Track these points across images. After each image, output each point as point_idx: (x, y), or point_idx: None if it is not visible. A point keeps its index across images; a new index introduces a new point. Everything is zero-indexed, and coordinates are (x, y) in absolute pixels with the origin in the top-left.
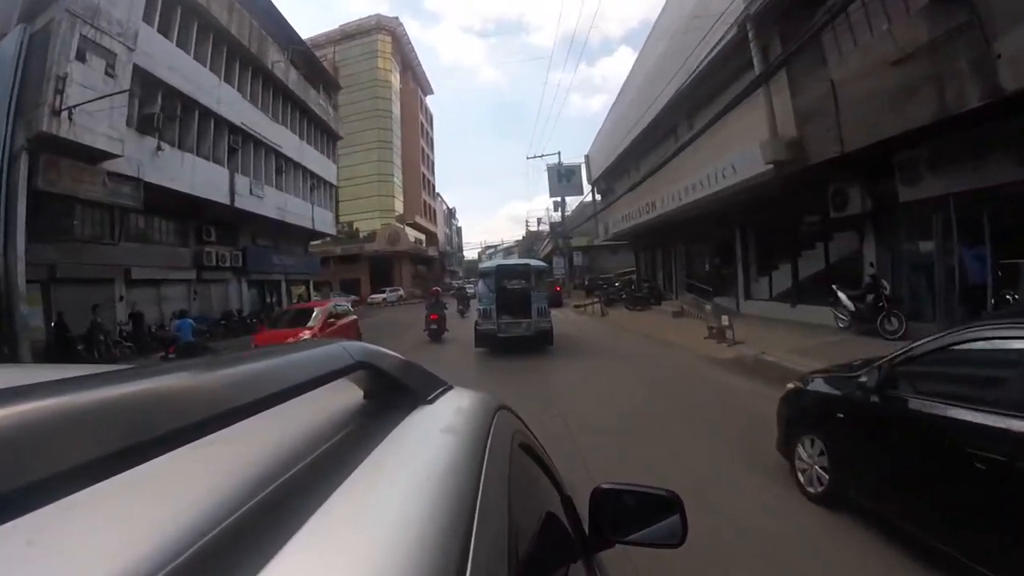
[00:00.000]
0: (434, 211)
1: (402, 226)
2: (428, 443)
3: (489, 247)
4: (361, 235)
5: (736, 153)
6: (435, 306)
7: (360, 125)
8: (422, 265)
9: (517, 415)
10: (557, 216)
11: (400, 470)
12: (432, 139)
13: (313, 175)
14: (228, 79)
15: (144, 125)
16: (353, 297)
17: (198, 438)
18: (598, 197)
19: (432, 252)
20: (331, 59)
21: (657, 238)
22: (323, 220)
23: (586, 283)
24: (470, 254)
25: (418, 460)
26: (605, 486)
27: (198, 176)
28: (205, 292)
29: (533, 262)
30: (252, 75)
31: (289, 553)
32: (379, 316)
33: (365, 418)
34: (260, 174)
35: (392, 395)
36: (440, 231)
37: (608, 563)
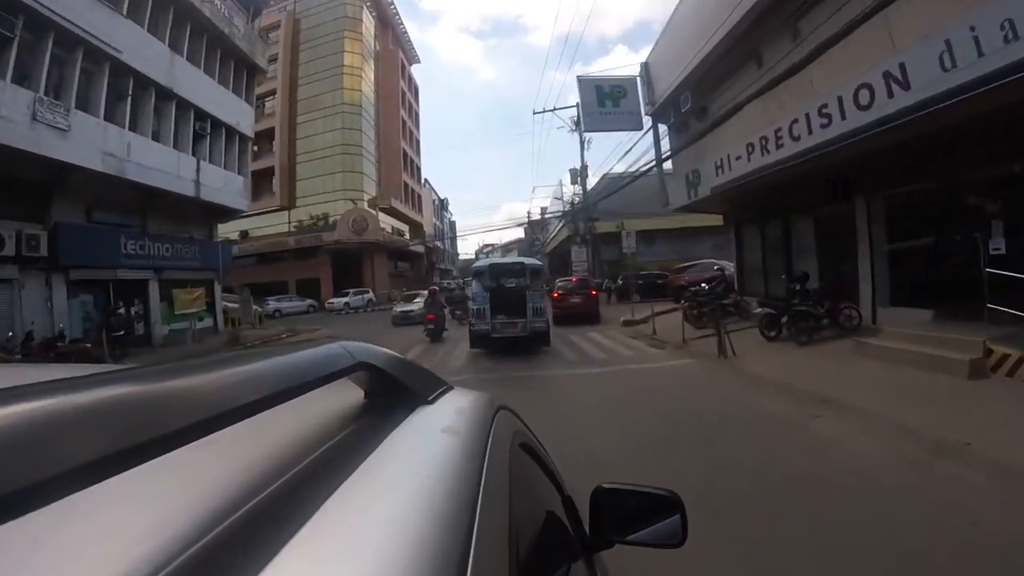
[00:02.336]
0: (419, 198)
1: (373, 211)
2: (429, 443)
3: (487, 246)
4: (320, 222)
5: None
6: (433, 305)
7: (323, 86)
8: (403, 262)
9: (517, 415)
10: (568, 195)
11: (401, 470)
12: (417, 115)
13: (203, 114)
14: None
15: None
16: (310, 302)
17: (199, 438)
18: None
19: (416, 246)
20: (290, 10)
21: (805, 197)
22: (225, 186)
23: (620, 283)
24: (466, 252)
25: (419, 460)
26: (606, 486)
27: None
28: None
29: (528, 260)
30: None
31: (290, 553)
32: (317, 334)
33: (366, 418)
34: (69, 90)
35: (393, 395)
36: (428, 223)
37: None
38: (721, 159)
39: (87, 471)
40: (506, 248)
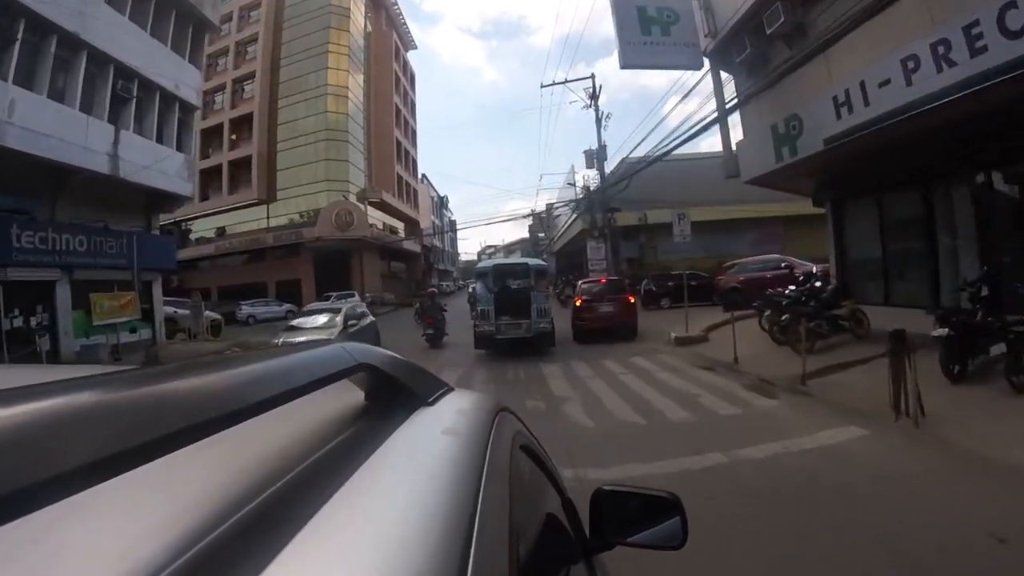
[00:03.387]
0: (415, 193)
1: (361, 205)
2: (429, 445)
3: (489, 247)
4: (305, 216)
5: None
6: (431, 308)
7: (307, 66)
8: (397, 262)
9: (518, 417)
10: (582, 182)
11: (401, 472)
12: (413, 103)
13: (128, 72)
14: None
15: None
16: (288, 307)
17: (200, 439)
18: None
19: (412, 245)
20: None
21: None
22: (157, 164)
23: (653, 287)
24: (466, 252)
25: (419, 462)
26: (606, 488)
27: None
28: None
29: (532, 261)
30: None
31: (290, 554)
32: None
33: (366, 420)
34: None
35: (393, 396)
36: (425, 220)
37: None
38: (846, 91)
39: (87, 472)
40: (509, 249)
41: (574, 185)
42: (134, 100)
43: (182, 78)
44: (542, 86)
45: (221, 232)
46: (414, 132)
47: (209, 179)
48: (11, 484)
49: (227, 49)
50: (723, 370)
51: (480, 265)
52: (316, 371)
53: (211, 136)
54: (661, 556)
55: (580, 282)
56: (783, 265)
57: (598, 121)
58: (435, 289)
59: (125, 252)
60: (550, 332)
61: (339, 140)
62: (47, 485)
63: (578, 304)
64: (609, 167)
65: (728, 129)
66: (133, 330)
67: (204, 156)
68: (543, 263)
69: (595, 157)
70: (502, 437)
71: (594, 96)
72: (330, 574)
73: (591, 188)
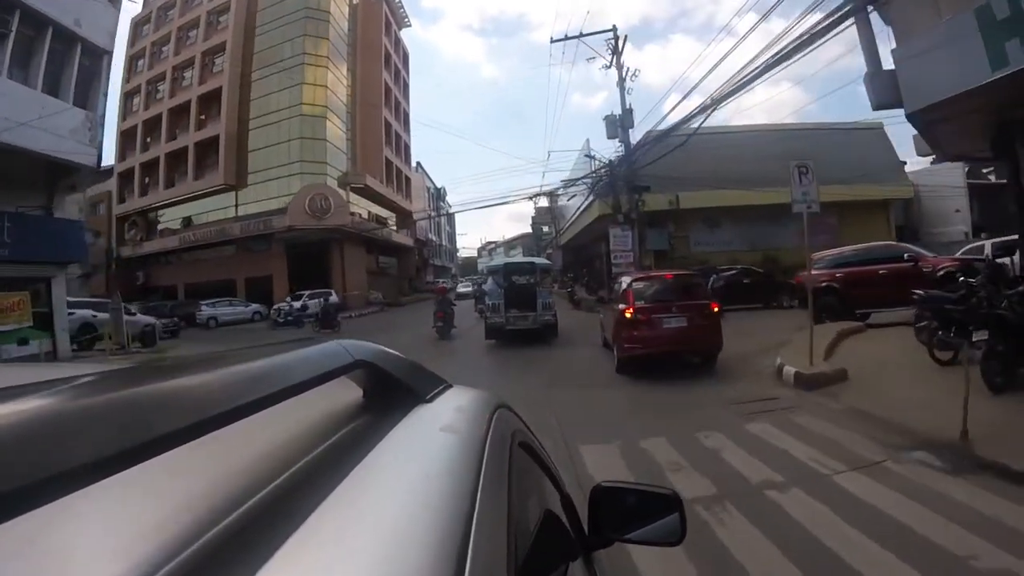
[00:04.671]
0: (407, 181)
1: (343, 191)
2: (427, 442)
3: (489, 243)
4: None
5: None
6: (442, 303)
7: (284, 33)
8: (387, 256)
9: (517, 414)
10: (597, 156)
11: (399, 469)
12: (407, 84)
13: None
14: None
15: None
16: (255, 307)
17: (198, 437)
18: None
19: (403, 238)
20: None
21: None
22: (41, 120)
23: (715, 282)
24: (464, 248)
25: (417, 459)
26: (604, 484)
27: None
28: None
29: (538, 260)
30: None
31: (289, 551)
32: None
33: (364, 417)
34: None
35: (391, 394)
36: (419, 212)
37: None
38: None
39: (85, 471)
40: (510, 244)
41: (593, 157)
42: (11, 36)
43: (86, 13)
44: (552, 40)
45: (187, 223)
46: (407, 115)
47: (176, 163)
48: (7, 484)
49: (198, 20)
50: (955, 461)
51: (491, 264)
52: (314, 368)
53: (180, 116)
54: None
55: (628, 279)
56: (906, 257)
57: (621, 82)
58: (446, 286)
59: (8, 240)
60: (554, 324)
61: (317, 116)
62: (45, 483)
63: (629, 316)
64: (633, 139)
65: (870, 27)
66: (23, 341)
67: (171, 138)
68: (548, 262)
69: (619, 124)
70: (500, 434)
71: (617, 52)
72: (328, 571)
73: (614, 162)
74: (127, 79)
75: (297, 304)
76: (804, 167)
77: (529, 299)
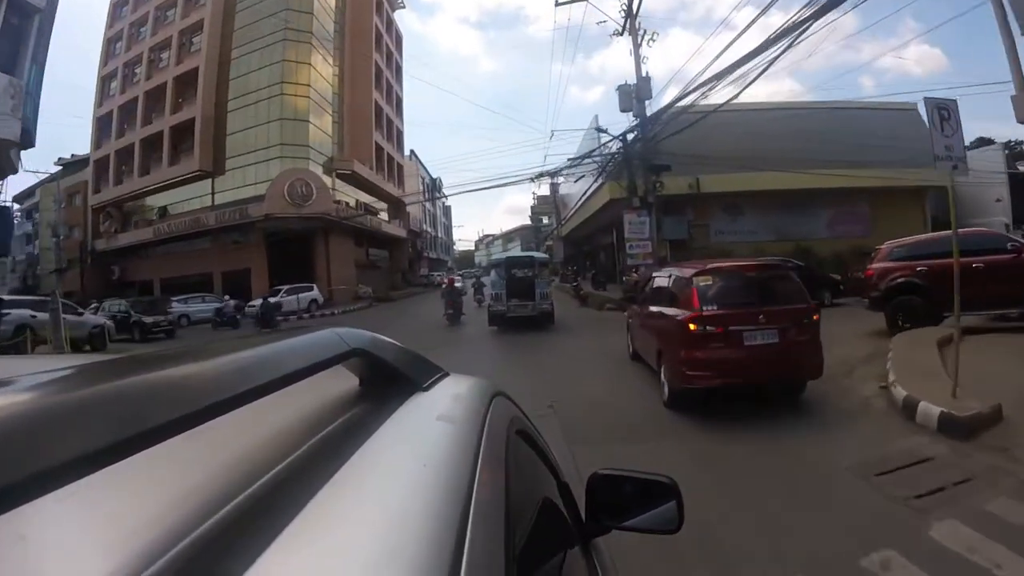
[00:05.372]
0: (400, 169)
1: (328, 177)
2: (424, 430)
3: (487, 236)
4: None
5: None
6: (450, 293)
7: (265, 7)
8: (378, 249)
9: (514, 401)
10: (609, 132)
11: (396, 458)
12: (400, 68)
13: None
14: None
15: None
16: (233, 303)
17: (191, 428)
18: None
19: (395, 229)
20: None
21: None
22: None
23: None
24: (465, 241)
25: (414, 447)
26: (602, 472)
27: None
28: None
29: (536, 255)
30: None
31: (285, 542)
32: None
33: (361, 406)
34: None
35: (388, 382)
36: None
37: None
38: None
39: (80, 463)
40: (507, 237)
41: (605, 131)
42: None
43: None
44: (557, 3)
45: (163, 213)
46: (400, 100)
47: (152, 150)
48: (1, 477)
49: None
50: None
51: (494, 257)
52: (309, 357)
53: (157, 100)
54: None
55: (689, 274)
56: (1009, 247)
57: (636, 47)
58: (454, 278)
59: None
60: (550, 312)
61: (299, 96)
62: (37, 477)
63: (693, 329)
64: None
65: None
66: None
67: (147, 122)
68: (545, 256)
69: (634, 95)
70: (497, 422)
71: (631, 13)
72: (325, 560)
73: (628, 138)
74: (104, 62)
75: (272, 300)
76: (945, 109)
77: (528, 289)
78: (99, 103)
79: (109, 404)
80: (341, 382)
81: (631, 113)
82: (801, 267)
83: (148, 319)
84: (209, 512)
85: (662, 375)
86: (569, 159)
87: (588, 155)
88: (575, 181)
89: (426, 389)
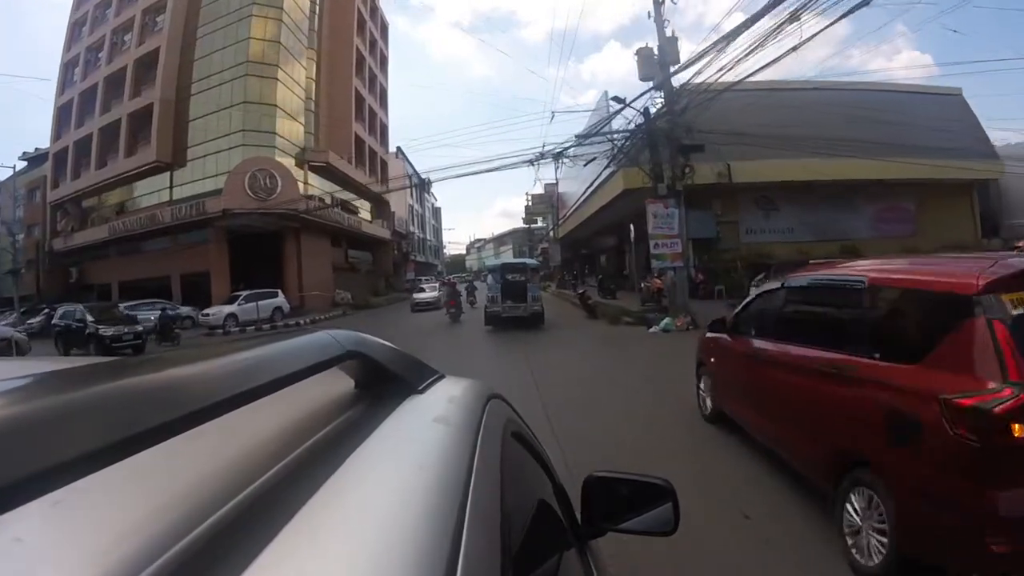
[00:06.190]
0: (383, 165)
1: (301, 170)
2: (420, 433)
3: (478, 240)
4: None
5: None
6: (452, 294)
7: None
8: (359, 251)
9: (509, 404)
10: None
11: (391, 460)
12: (385, 58)
13: None
14: None
15: None
16: (186, 312)
17: (186, 430)
18: None
19: (377, 229)
20: None
21: None
22: None
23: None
24: (456, 244)
25: (409, 450)
26: (598, 474)
27: None
28: None
29: (529, 261)
30: None
31: (280, 544)
32: None
33: (356, 408)
34: None
35: (383, 385)
36: (400, 202)
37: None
38: None
39: (73, 466)
40: (500, 240)
41: (621, 101)
42: None
43: None
44: None
45: (120, 209)
46: (385, 92)
47: (111, 140)
48: None
49: None
50: None
51: (490, 263)
52: (305, 359)
53: (117, 85)
54: None
55: (974, 281)
56: None
57: (657, 2)
58: (454, 279)
59: None
60: (541, 313)
61: (266, 77)
62: (33, 479)
63: (1017, 437)
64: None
65: None
66: None
67: (105, 110)
68: (536, 262)
69: (656, 60)
70: (493, 425)
71: None
72: (322, 563)
73: (648, 114)
74: (68, 48)
75: (228, 309)
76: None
77: (521, 292)
78: (60, 91)
79: (105, 406)
80: (337, 384)
81: (652, 82)
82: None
83: (108, 331)
84: (205, 514)
85: (950, 550)
86: (577, 135)
87: (600, 131)
88: (584, 165)
89: (422, 391)
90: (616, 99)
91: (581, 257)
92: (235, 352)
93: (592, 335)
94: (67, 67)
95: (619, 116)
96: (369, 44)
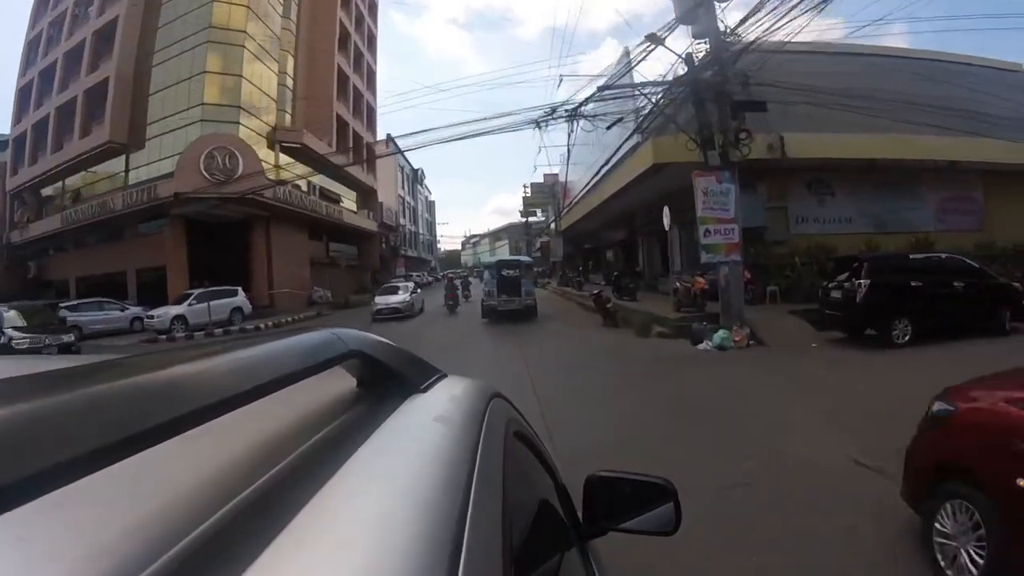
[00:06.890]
0: (369, 149)
1: (269, 151)
2: (422, 432)
3: (473, 236)
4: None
5: None
6: (450, 287)
7: None
8: (342, 244)
9: (511, 403)
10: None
11: (394, 459)
12: (373, 37)
13: None
14: None
15: None
16: (133, 312)
17: (188, 429)
18: None
19: (363, 220)
20: None
21: None
22: None
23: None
24: (451, 238)
25: (412, 449)
26: (599, 474)
27: None
28: None
29: (523, 258)
30: None
31: (282, 544)
32: None
33: (358, 407)
34: None
35: (386, 384)
36: (389, 193)
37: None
38: None
39: (77, 465)
40: (495, 235)
41: (658, 40)
42: None
43: None
44: None
45: (76, 197)
46: (372, 73)
47: (67, 120)
48: None
49: None
50: None
51: (487, 260)
52: (308, 358)
53: (76, 61)
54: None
55: None
56: None
57: None
58: (452, 274)
59: None
60: (534, 306)
61: (231, 44)
62: (35, 478)
63: None
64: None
65: None
66: None
67: (63, 88)
68: (530, 259)
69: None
70: (495, 424)
71: None
72: (324, 562)
73: (697, 61)
74: (32, 25)
75: (175, 310)
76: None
77: (515, 287)
78: (22, 72)
79: (106, 405)
80: (339, 383)
81: (691, 27)
82: (976, 270)
83: (23, 342)
84: (207, 513)
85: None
86: (600, 88)
87: (630, 84)
88: (607, 128)
89: (424, 390)
90: (651, 37)
91: (584, 252)
92: (238, 350)
93: (615, 352)
94: (30, 46)
95: (651, 68)
96: (355, 20)
